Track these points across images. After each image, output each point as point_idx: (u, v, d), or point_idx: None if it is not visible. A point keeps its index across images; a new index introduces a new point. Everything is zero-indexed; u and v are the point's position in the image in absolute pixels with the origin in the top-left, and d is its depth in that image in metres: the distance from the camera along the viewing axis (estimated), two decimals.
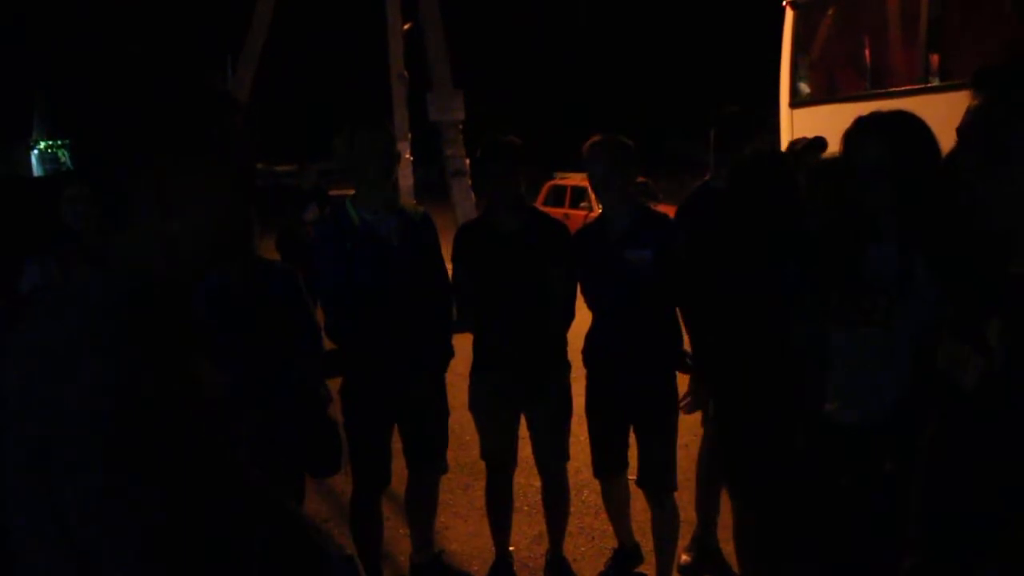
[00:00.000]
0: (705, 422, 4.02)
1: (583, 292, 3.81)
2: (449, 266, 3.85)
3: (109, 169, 1.22)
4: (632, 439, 3.82)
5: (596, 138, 3.65)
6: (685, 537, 4.03)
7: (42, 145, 46.61)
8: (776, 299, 2.78)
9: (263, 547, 1.24)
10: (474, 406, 3.92)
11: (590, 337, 3.79)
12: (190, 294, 1.32)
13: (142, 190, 1.21)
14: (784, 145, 8.27)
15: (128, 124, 1.20)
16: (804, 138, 4.40)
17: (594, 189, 3.76)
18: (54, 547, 1.09)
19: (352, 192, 3.71)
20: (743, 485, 3.25)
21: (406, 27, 14.55)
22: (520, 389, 3.79)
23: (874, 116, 2.41)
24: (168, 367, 1.13)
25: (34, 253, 3.97)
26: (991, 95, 1.87)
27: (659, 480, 3.74)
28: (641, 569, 4.06)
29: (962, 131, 2.00)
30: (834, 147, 2.91)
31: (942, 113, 2.37)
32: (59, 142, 45.34)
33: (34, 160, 45.94)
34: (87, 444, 1.06)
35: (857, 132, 2.42)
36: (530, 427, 3.92)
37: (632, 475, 3.90)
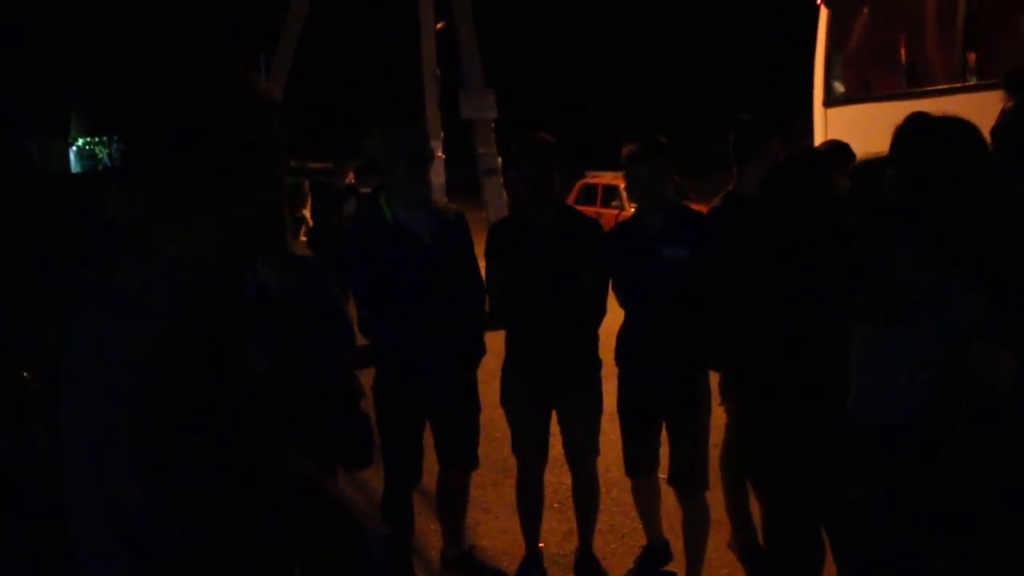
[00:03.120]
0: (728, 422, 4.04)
1: (616, 290, 3.81)
2: (482, 262, 3.87)
3: (161, 169, 1.25)
4: (663, 437, 3.83)
5: (637, 143, 3.65)
6: (715, 536, 4.02)
7: (80, 142, 47.19)
8: (809, 302, 2.78)
9: (302, 520, 1.28)
10: (506, 401, 3.94)
11: (623, 335, 3.80)
12: (239, 284, 1.36)
13: (190, 186, 1.24)
14: (817, 143, 8.22)
15: (179, 124, 1.23)
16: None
17: (633, 192, 3.78)
18: (103, 529, 1.14)
19: (369, 189, 3.75)
20: (766, 484, 3.25)
21: (439, 26, 14.60)
22: (551, 385, 3.81)
23: (924, 116, 2.40)
24: (211, 353, 1.17)
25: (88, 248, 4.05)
26: (1022, 97, 1.87)
27: (690, 478, 3.74)
28: (670, 567, 4.07)
29: (994, 133, 2.00)
30: (868, 146, 2.91)
31: (979, 112, 2.36)
32: (96, 139, 45.92)
33: (72, 156, 46.52)
34: (110, 433, 1.10)
35: (907, 131, 2.41)
36: (561, 423, 3.94)
37: (663, 473, 3.91)
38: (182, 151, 1.24)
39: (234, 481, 1.15)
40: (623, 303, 3.80)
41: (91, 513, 1.14)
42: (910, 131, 2.41)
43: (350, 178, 10.15)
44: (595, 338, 3.89)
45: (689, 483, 3.76)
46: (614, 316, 3.86)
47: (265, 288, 3.21)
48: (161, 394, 1.10)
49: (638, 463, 3.88)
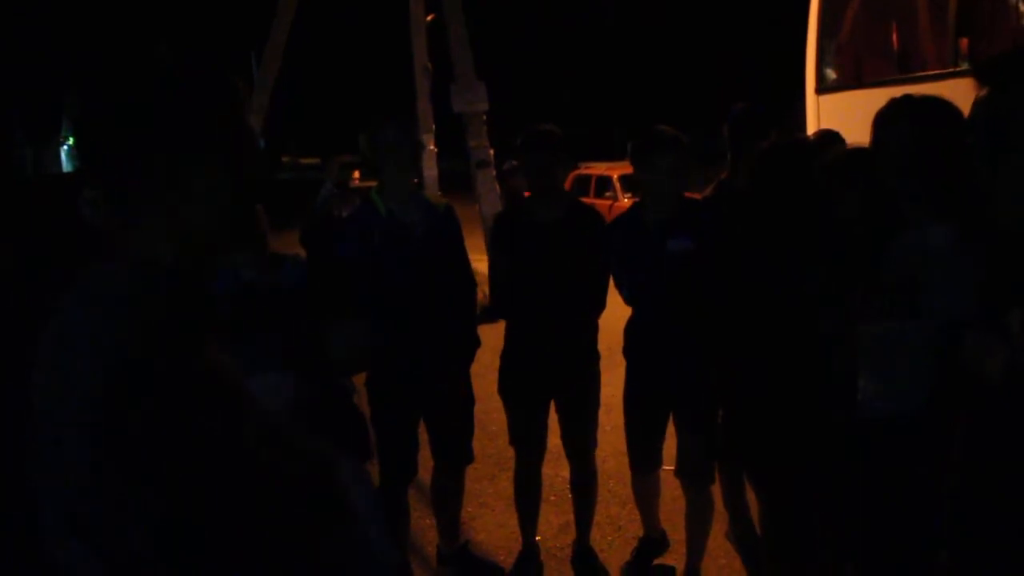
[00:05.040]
0: None
1: (619, 284, 3.76)
2: (475, 255, 3.85)
3: (116, 167, 1.25)
4: (668, 431, 3.80)
5: (652, 133, 3.55)
6: (712, 527, 4.00)
7: (72, 141, 47.07)
8: (803, 295, 2.76)
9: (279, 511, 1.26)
10: (504, 392, 3.92)
11: (631, 328, 3.76)
12: (202, 283, 1.35)
13: (148, 186, 1.24)
14: (810, 131, 8.20)
15: (130, 122, 1.22)
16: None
17: (649, 180, 3.58)
18: (65, 521, 1.14)
19: (375, 184, 3.75)
20: (762, 479, 3.24)
21: (429, 19, 14.53)
22: (551, 375, 3.80)
23: (906, 99, 2.39)
24: (172, 353, 1.16)
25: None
26: (994, 87, 1.86)
27: (699, 470, 3.71)
28: (667, 557, 4.05)
29: (970, 123, 1.99)
30: (861, 133, 2.88)
31: (971, 97, 2.34)
32: None
33: (64, 156, 46.46)
34: (78, 432, 1.09)
35: (889, 115, 2.39)
36: (560, 414, 3.93)
37: (668, 465, 3.89)
38: (140, 150, 1.23)
39: (197, 479, 1.13)
40: (628, 298, 3.73)
41: (54, 508, 1.14)
42: (891, 114, 2.39)
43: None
44: (595, 329, 3.88)
45: (697, 476, 3.73)
46: (613, 310, 3.84)
47: (249, 287, 3.19)
48: (121, 393, 1.09)
49: (643, 458, 3.84)
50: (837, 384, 2.57)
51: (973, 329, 2.05)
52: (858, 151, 2.86)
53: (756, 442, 3.13)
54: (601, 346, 3.89)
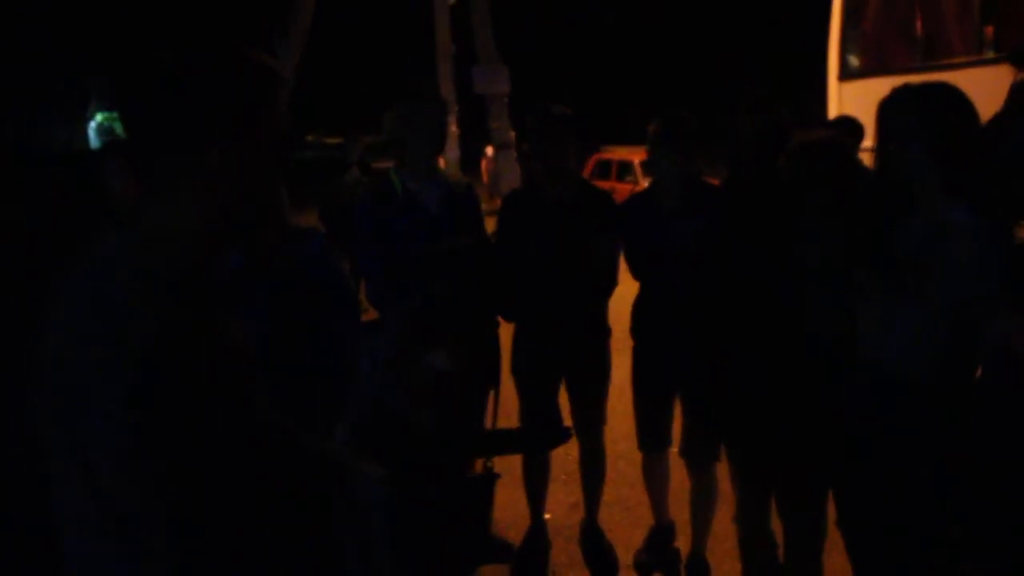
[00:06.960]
0: None
1: (630, 263, 3.82)
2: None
3: (157, 146, 1.27)
4: (676, 411, 3.83)
5: (661, 122, 3.61)
6: (719, 509, 4.02)
7: (99, 118, 47.21)
8: (793, 277, 2.77)
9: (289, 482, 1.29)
10: (516, 370, 3.96)
11: (638, 308, 3.80)
12: (221, 260, 1.37)
13: (188, 165, 1.26)
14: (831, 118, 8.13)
15: (175, 102, 1.24)
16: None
17: (653, 169, 3.75)
18: (82, 494, 1.16)
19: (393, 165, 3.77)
20: (749, 460, 3.26)
21: (452, 1, 14.53)
22: (562, 351, 3.84)
23: (908, 86, 2.40)
24: (195, 325, 1.17)
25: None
26: None
27: (702, 450, 3.73)
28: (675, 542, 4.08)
29: (1006, 106, 2.01)
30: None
31: (997, 85, 2.34)
32: (115, 114, 45.80)
33: (91, 133, 46.60)
34: (115, 397, 1.11)
35: (892, 102, 2.40)
36: (569, 390, 3.97)
37: (674, 447, 3.92)
38: (164, 126, 1.24)
39: (219, 456, 1.16)
40: (637, 276, 3.80)
41: (77, 491, 1.16)
42: (893, 101, 2.39)
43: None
44: (605, 307, 3.92)
45: (701, 455, 3.76)
46: (626, 292, 3.87)
47: (259, 262, 3.20)
48: (135, 381, 1.11)
49: (651, 438, 3.88)
50: (836, 361, 2.58)
51: (1005, 310, 2.06)
52: (827, 142, 2.89)
53: (751, 433, 3.15)
54: (614, 328, 3.93)
